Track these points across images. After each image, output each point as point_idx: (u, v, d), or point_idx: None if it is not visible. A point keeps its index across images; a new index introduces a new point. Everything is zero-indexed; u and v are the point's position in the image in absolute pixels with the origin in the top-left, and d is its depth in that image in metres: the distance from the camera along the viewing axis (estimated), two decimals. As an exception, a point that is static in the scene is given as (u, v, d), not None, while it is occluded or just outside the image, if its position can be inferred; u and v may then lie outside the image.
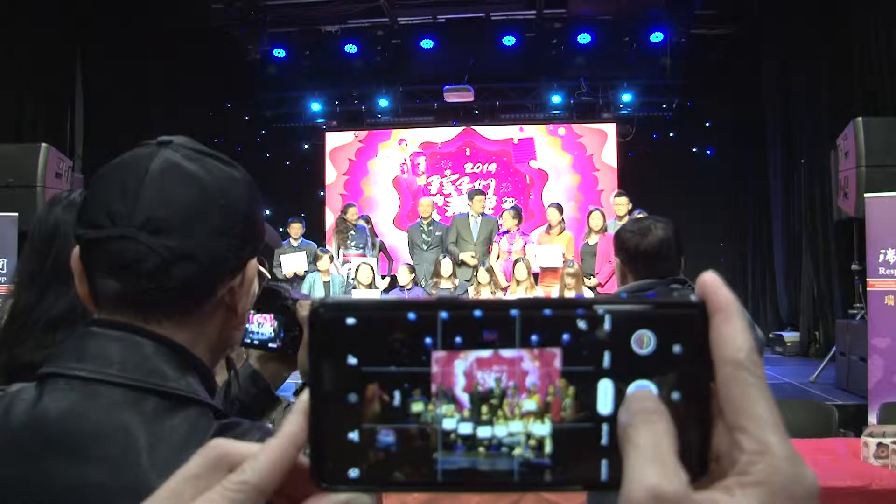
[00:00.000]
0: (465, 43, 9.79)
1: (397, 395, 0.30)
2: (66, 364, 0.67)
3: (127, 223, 0.69)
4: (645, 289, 1.96)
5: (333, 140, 10.89)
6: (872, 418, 4.48)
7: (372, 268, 7.53)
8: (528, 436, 0.30)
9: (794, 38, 7.93)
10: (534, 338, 0.30)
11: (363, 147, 10.83)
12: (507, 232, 7.57)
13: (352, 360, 0.31)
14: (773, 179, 8.75)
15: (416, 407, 0.30)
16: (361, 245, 7.95)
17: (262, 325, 1.14)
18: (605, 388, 0.30)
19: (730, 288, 0.31)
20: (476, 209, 7.80)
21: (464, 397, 0.30)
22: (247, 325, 1.12)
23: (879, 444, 3.01)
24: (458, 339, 0.30)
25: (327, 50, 9.98)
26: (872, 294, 4.92)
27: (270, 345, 1.13)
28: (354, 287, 7.29)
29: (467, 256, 7.53)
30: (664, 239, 1.98)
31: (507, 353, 0.30)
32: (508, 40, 9.73)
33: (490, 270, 7.19)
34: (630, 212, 7.23)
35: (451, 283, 7.18)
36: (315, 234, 9.30)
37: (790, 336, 7.95)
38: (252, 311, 1.12)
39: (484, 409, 0.30)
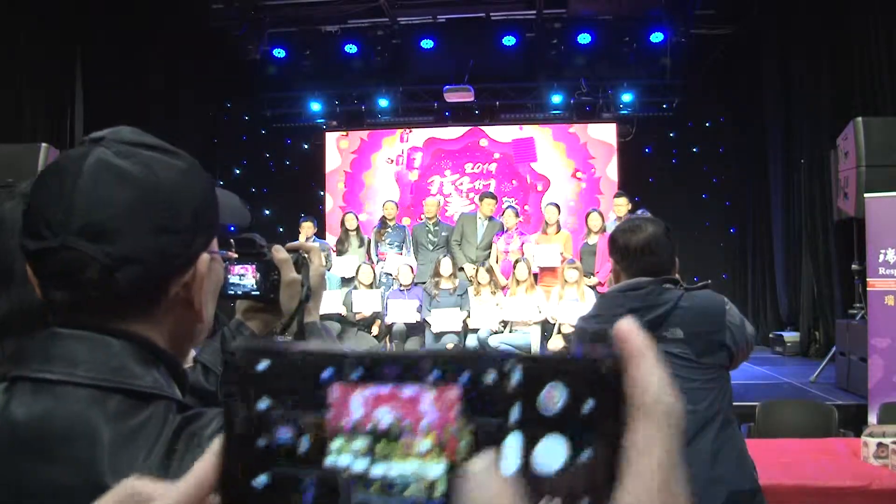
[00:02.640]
0: (465, 43, 9.78)
1: (304, 439, 0.30)
2: (32, 367, 0.66)
3: (64, 231, 0.67)
4: (637, 287, 1.99)
5: (336, 134, 10.87)
6: (872, 418, 4.48)
7: (373, 269, 7.53)
8: (421, 476, 0.29)
9: (794, 38, 7.93)
10: (435, 376, 0.30)
11: (367, 141, 10.81)
12: (506, 231, 7.57)
13: (262, 405, 0.30)
14: (773, 179, 8.75)
15: (320, 448, 0.30)
16: (397, 243, 7.93)
17: (244, 277, 1.16)
18: (512, 443, 0.29)
19: (645, 334, 0.30)
20: (485, 212, 7.77)
21: (360, 434, 0.30)
22: (228, 277, 1.14)
23: (879, 444, 3.01)
24: (355, 375, 0.30)
25: (327, 50, 9.98)
26: (872, 294, 4.92)
27: (253, 293, 1.16)
28: (355, 287, 7.29)
29: (468, 266, 7.52)
30: (653, 235, 2.02)
31: (406, 390, 0.30)
32: (508, 40, 9.72)
33: (490, 270, 7.19)
34: (630, 212, 7.23)
35: (452, 283, 7.16)
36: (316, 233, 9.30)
37: (790, 336, 7.93)
38: (231, 263, 1.14)
39: (379, 446, 0.29)
